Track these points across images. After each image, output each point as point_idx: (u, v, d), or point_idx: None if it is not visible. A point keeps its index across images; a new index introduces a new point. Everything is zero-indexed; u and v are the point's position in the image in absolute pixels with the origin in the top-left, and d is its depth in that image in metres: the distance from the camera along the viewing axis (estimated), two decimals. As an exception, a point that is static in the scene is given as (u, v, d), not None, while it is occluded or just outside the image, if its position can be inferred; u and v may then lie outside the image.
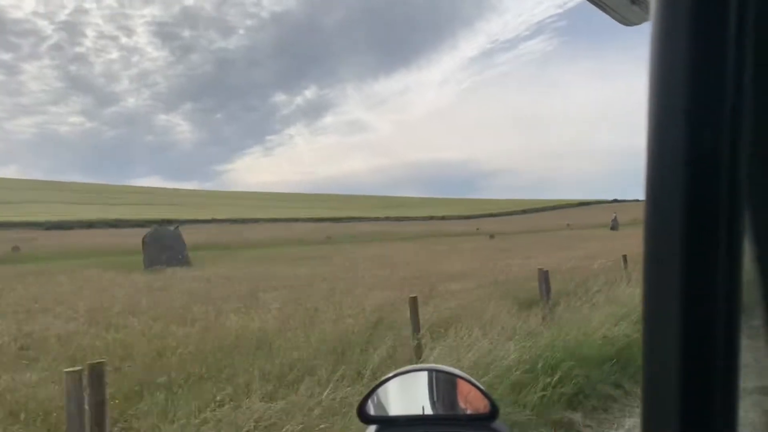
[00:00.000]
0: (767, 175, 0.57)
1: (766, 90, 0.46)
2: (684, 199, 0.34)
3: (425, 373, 1.13)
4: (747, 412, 0.39)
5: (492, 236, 49.69)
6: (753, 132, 0.36)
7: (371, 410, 1.08)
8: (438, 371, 1.12)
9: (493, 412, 1.03)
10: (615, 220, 55.32)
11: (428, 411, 1.09)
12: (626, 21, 1.06)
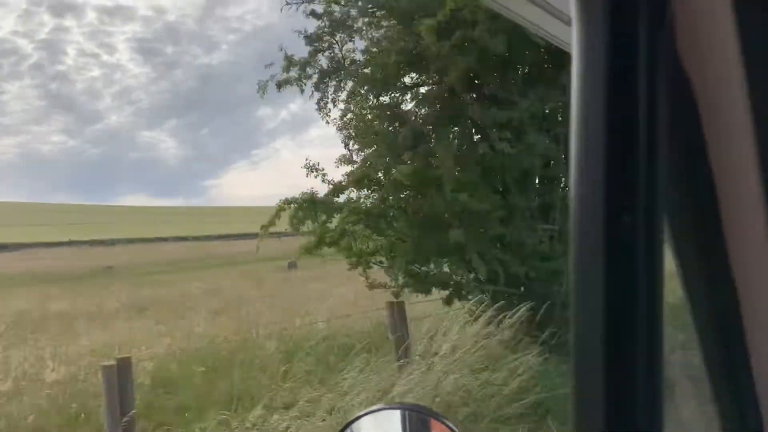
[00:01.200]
0: (682, 176, 0.59)
1: (681, 92, 0.48)
2: (605, 200, 0.36)
3: (398, 412, 1.11)
4: (677, 410, 0.40)
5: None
6: (668, 137, 0.38)
7: None
8: (412, 410, 1.11)
9: None
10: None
11: None
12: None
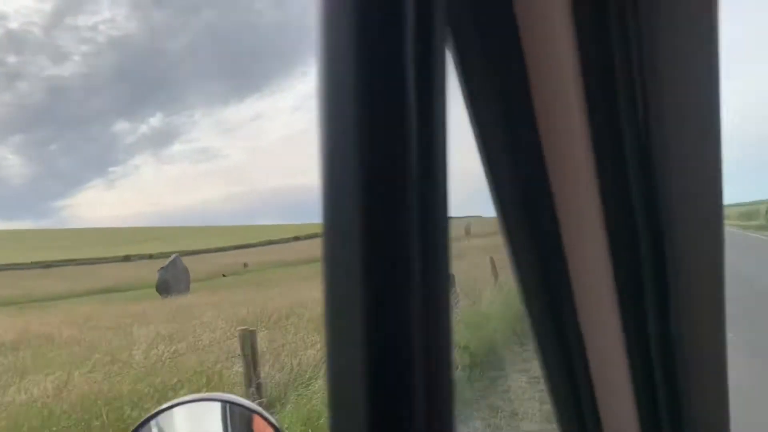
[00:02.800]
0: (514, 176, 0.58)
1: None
2: (360, 204, 0.31)
3: (218, 404, 1.01)
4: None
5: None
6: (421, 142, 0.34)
7: None
8: (234, 403, 1.01)
9: None
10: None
11: None
12: None
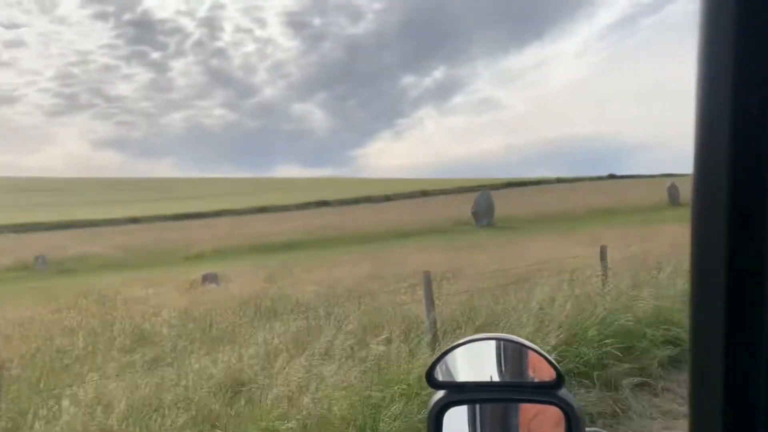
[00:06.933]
0: None
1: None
2: (730, 197, 0.34)
3: (493, 342, 1.15)
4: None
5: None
6: None
7: (439, 376, 1.11)
8: (506, 340, 1.14)
9: (559, 381, 1.04)
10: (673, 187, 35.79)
11: (495, 378, 1.12)
12: None
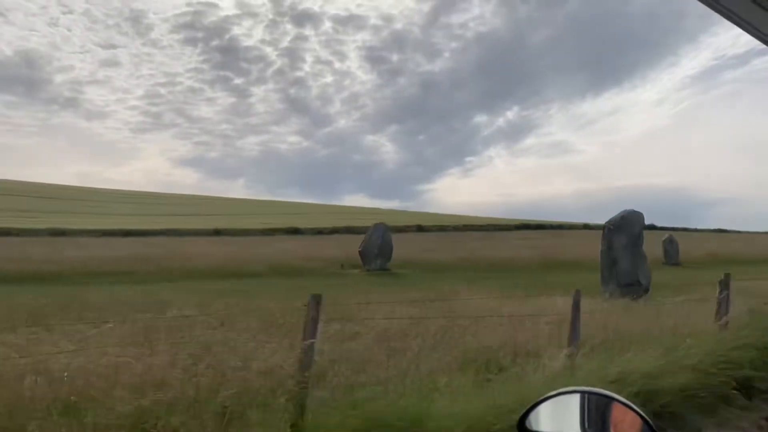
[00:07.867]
0: None
1: None
2: None
3: (578, 396, 1.14)
4: None
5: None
6: None
7: (531, 425, 1.13)
8: (591, 393, 1.14)
9: None
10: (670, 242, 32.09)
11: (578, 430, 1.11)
12: None
